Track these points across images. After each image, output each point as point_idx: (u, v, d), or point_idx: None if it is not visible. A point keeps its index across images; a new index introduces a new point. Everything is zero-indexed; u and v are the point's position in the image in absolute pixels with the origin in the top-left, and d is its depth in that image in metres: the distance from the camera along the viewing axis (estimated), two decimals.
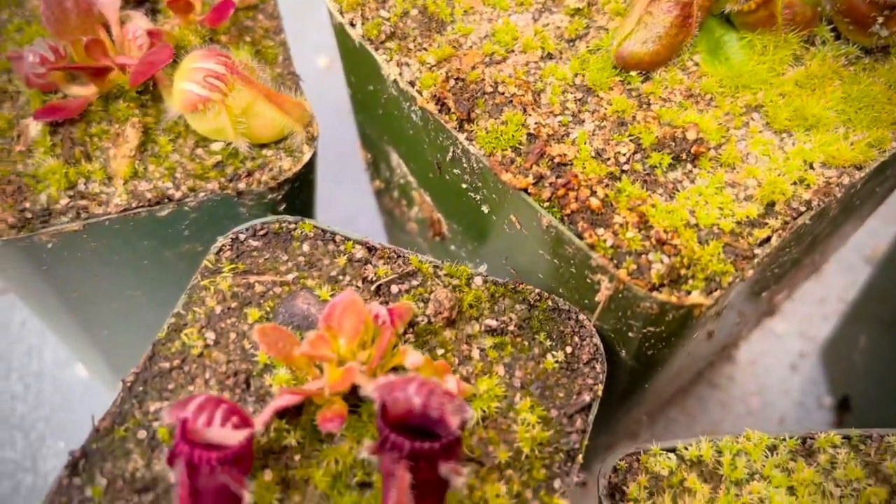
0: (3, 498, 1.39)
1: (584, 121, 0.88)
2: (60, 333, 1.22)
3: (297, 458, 0.77)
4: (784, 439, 0.87)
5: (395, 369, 0.79)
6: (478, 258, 1.04)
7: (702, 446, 0.87)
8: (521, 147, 0.86)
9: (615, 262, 0.80)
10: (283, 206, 0.99)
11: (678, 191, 0.84)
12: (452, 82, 0.90)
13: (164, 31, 1.01)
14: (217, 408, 0.68)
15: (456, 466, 0.67)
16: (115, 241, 0.96)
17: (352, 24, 0.96)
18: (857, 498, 0.83)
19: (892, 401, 1.33)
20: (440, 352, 0.85)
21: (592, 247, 0.80)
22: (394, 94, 0.95)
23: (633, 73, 0.92)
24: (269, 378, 0.81)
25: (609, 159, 0.85)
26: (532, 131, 0.87)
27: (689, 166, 0.86)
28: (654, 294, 0.78)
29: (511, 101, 0.89)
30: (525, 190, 0.84)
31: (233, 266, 0.89)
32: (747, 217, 0.82)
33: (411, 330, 0.86)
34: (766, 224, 0.82)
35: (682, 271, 0.78)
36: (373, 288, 0.89)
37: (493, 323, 0.86)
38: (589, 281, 0.83)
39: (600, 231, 0.81)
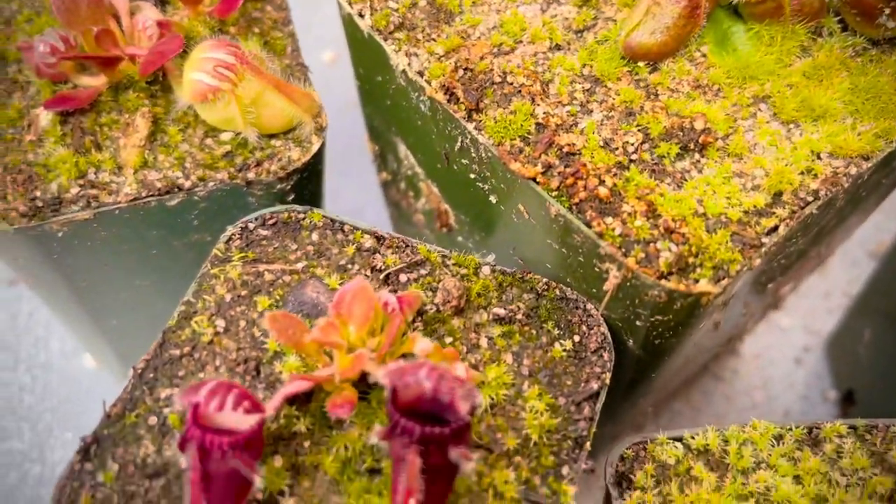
0: (11, 488, 1.39)
1: (592, 111, 0.89)
2: (69, 323, 1.23)
3: (306, 444, 0.78)
4: (790, 429, 0.88)
5: (404, 357, 0.80)
6: (485, 249, 1.05)
7: (708, 435, 0.87)
8: (530, 137, 0.87)
9: (623, 250, 0.80)
10: (291, 197, 1.00)
11: (686, 180, 0.84)
12: (461, 72, 0.91)
13: (173, 22, 1.01)
14: (229, 393, 0.69)
15: (466, 451, 0.68)
16: (124, 230, 0.97)
17: (360, 15, 0.97)
18: (862, 487, 0.84)
19: None
20: (448, 340, 0.85)
21: (601, 235, 0.81)
22: (402, 84, 0.96)
23: (640, 64, 0.92)
24: (280, 365, 0.82)
25: (617, 149, 0.86)
26: (541, 121, 0.87)
27: (696, 156, 0.86)
28: (663, 282, 0.78)
29: (520, 92, 0.89)
30: (534, 179, 0.84)
31: (242, 255, 0.89)
32: (755, 206, 0.83)
33: (420, 318, 0.87)
34: (774, 213, 0.82)
35: (691, 260, 0.79)
36: (381, 277, 0.89)
37: (502, 312, 0.87)
38: (597, 270, 0.84)
39: (609, 220, 0.81)
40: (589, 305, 0.87)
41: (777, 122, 0.89)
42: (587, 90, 0.90)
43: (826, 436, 0.88)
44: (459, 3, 0.97)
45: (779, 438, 0.87)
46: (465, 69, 0.91)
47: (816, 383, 1.57)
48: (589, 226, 0.81)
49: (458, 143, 0.92)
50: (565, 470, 0.78)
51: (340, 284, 0.87)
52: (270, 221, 0.93)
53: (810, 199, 0.84)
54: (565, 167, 0.84)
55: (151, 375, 0.81)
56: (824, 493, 0.83)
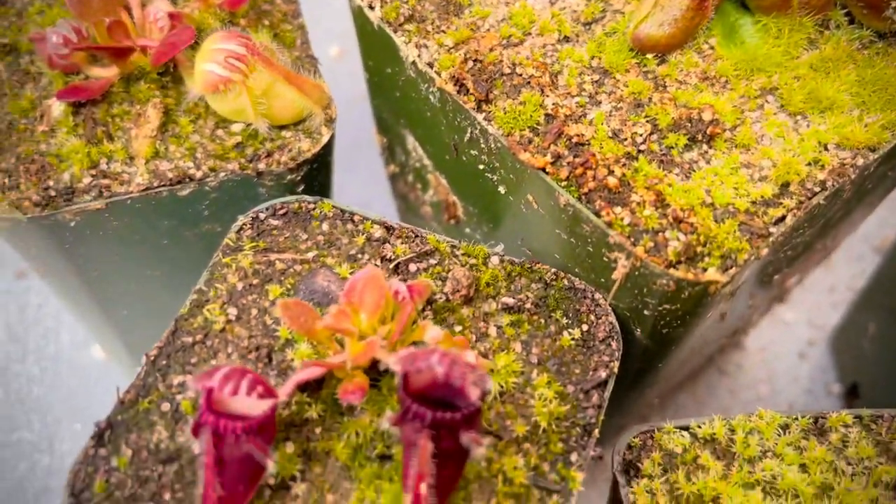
0: (21, 479, 1.40)
1: (600, 102, 0.90)
2: (79, 313, 1.24)
3: (318, 430, 0.79)
4: (796, 418, 0.88)
5: (414, 344, 0.81)
6: (493, 240, 1.05)
7: (715, 425, 0.88)
8: (539, 127, 0.87)
9: (632, 239, 0.81)
10: (301, 188, 1.01)
11: (694, 171, 0.85)
12: (471, 64, 0.91)
13: (184, 14, 1.02)
14: (242, 378, 0.70)
15: (476, 436, 0.68)
16: (136, 220, 0.97)
17: (371, 7, 0.97)
18: (868, 476, 0.84)
19: None
20: (458, 329, 0.86)
21: (610, 225, 0.82)
22: (412, 75, 0.97)
23: (649, 56, 0.93)
24: (291, 353, 0.83)
25: (626, 139, 0.87)
26: (550, 112, 0.88)
27: (704, 147, 0.87)
28: (671, 271, 0.79)
29: (529, 83, 0.90)
30: (543, 169, 0.85)
31: (254, 244, 0.90)
32: (762, 197, 0.83)
33: (429, 307, 0.87)
34: (781, 203, 0.83)
35: (699, 249, 0.79)
36: (391, 266, 0.90)
37: (510, 301, 0.88)
38: (605, 259, 0.85)
39: (618, 209, 0.82)
40: (597, 295, 0.88)
41: (784, 113, 0.90)
42: (596, 81, 0.91)
43: (832, 425, 0.88)
44: None
45: (785, 428, 0.88)
46: (475, 61, 0.92)
47: (821, 377, 1.58)
48: (598, 215, 0.82)
49: (468, 135, 0.93)
50: (574, 457, 0.79)
51: (351, 274, 0.88)
52: (281, 211, 0.94)
53: (817, 189, 0.84)
54: (574, 157, 0.85)
55: (164, 362, 0.82)
56: (830, 481, 0.84)
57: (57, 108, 0.98)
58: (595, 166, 0.84)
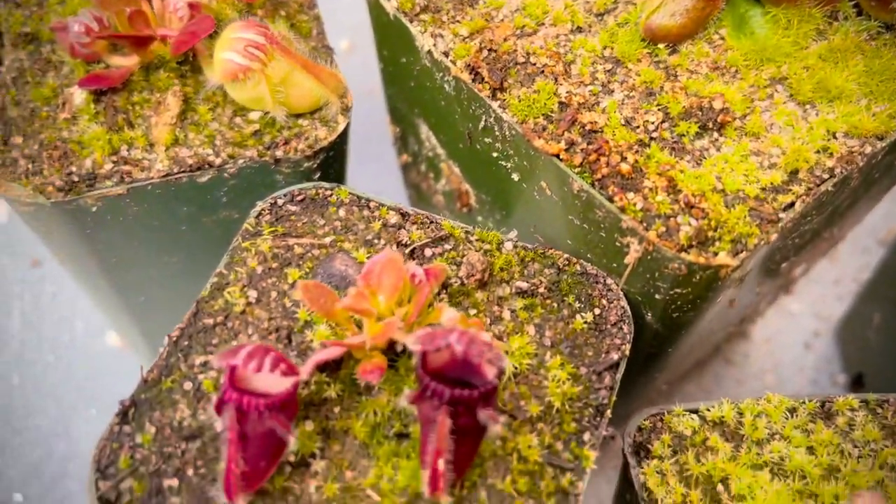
0: (37, 464, 1.43)
1: (613, 91, 0.91)
2: (97, 300, 1.26)
3: (336, 409, 0.81)
4: (803, 402, 0.90)
5: (430, 326, 0.82)
6: (506, 228, 1.07)
7: (723, 408, 0.90)
8: (553, 115, 0.89)
9: (645, 224, 0.83)
10: (317, 175, 1.03)
11: (705, 158, 0.87)
12: (485, 53, 0.93)
13: (203, 4, 1.04)
14: (266, 356, 0.71)
15: (493, 413, 0.70)
16: (155, 206, 0.99)
17: None
18: (874, 458, 0.86)
19: None
20: (473, 312, 0.88)
21: (623, 210, 0.83)
22: (427, 65, 0.98)
23: (660, 46, 0.95)
24: (311, 334, 0.84)
25: (638, 127, 0.88)
26: (563, 100, 0.90)
27: (715, 135, 0.89)
28: (683, 255, 0.81)
29: (542, 72, 0.92)
30: (557, 156, 0.87)
31: (272, 229, 0.92)
32: (772, 183, 0.85)
33: (445, 291, 0.89)
34: (790, 190, 0.85)
35: (710, 233, 0.81)
36: (407, 251, 0.92)
37: (524, 285, 0.89)
38: (618, 245, 0.86)
39: (630, 195, 0.84)
40: (609, 280, 0.90)
41: (793, 102, 0.92)
42: (608, 71, 0.93)
43: (838, 409, 0.90)
44: None
45: (792, 411, 0.89)
46: (489, 50, 0.94)
47: (826, 367, 1.59)
48: (611, 201, 0.84)
49: (482, 123, 0.94)
50: (587, 436, 0.81)
51: (368, 258, 0.90)
52: (299, 198, 0.95)
53: (826, 176, 0.86)
54: (588, 144, 0.86)
55: (186, 343, 0.84)
56: (837, 463, 0.85)
57: (78, 95, 1.00)
58: (608, 153, 0.85)
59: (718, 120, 0.89)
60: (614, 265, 0.90)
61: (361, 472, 0.78)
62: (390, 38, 1.05)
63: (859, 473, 0.84)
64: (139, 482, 0.77)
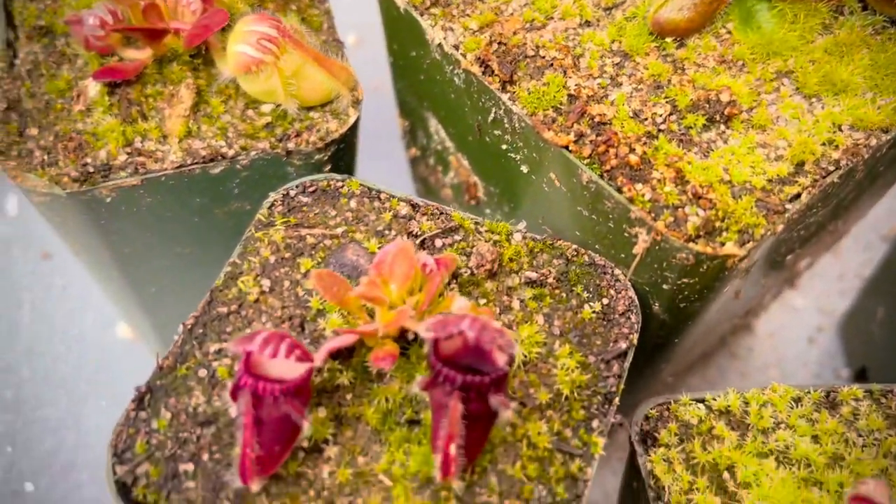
0: (48, 454, 1.44)
1: (621, 83, 0.93)
2: (109, 291, 1.27)
3: (348, 396, 0.82)
4: (808, 392, 0.91)
5: (441, 315, 0.84)
6: (514, 220, 1.08)
7: (729, 397, 0.91)
8: (562, 107, 0.91)
9: (653, 215, 0.84)
10: (328, 167, 1.04)
11: (712, 150, 0.88)
12: (495, 46, 0.94)
13: None
14: (281, 342, 0.73)
15: (504, 399, 0.72)
16: (169, 197, 1.01)
17: None
18: (878, 447, 0.87)
19: None
20: (482, 301, 0.89)
21: (631, 200, 0.85)
22: (437, 58, 1.00)
23: (668, 40, 0.96)
24: (323, 322, 0.86)
25: (646, 119, 0.90)
26: (572, 92, 0.91)
27: (722, 127, 0.90)
28: (691, 245, 0.82)
29: (552, 65, 0.93)
30: (566, 147, 0.88)
31: (285, 219, 0.93)
32: (778, 175, 0.86)
33: (455, 281, 0.90)
34: (797, 181, 0.86)
35: (717, 224, 0.82)
36: (417, 242, 0.93)
37: (533, 275, 0.90)
38: (626, 235, 0.88)
39: (639, 186, 0.85)
40: (617, 271, 0.91)
41: (799, 95, 0.93)
42: (616, 64, 0.94)
43: (843, 399, 0.91)
44: None
45: (797, 401, 0.91)
46: (499, 43, 0.95)
47: (829, 362, 1.60)
48: (620, 191, 0.85)
49: (492, 115, 0.96)
50: (595, 423, 0.82)
51: (379, 248, 0.91)
52: (310, 189, 0.97)
53: (832, 168, 0.87)
54: (597, 136, 0.88)
55: (201, 331, 0.85)
56: (841, 451, 0.86)
57: (93, 88, 1.01)
58: (617, 144, 0.87)
59: (725, 112, 0.90)
60: (622, 256, 0.91)
61: (373, 457, 0.79)
62: (400, 32, 1.06)
63: (863, 462, 0.85)
64: (155, 466, 0.78)
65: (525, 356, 0.85)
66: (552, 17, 0.98)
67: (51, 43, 1.06)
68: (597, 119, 0.89)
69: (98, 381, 1.51)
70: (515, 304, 0.89)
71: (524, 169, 0.98)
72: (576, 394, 0.83)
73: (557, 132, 0.88)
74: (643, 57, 0.95)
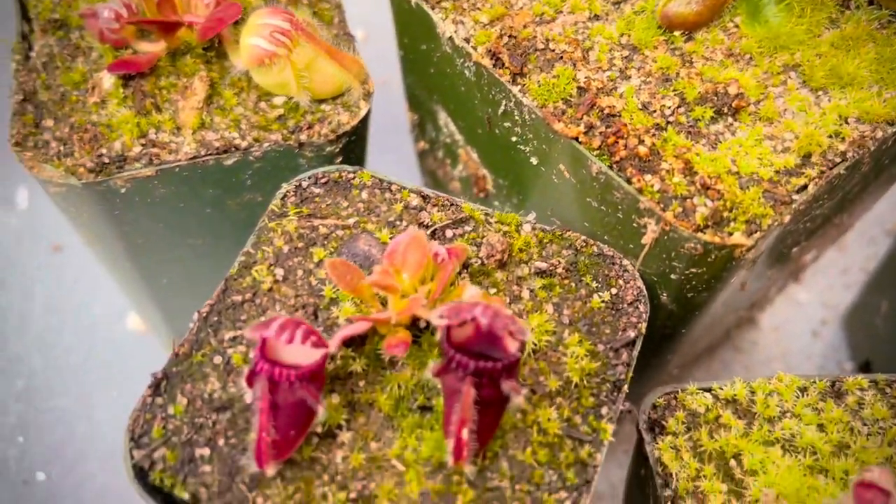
0: (59, 443, 1.45)
1: (630, 76, 0.94)
2: (121, 281, 1.28)
3: (361, 383, 0.83)
4: (814, 381, 0.92)
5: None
6: (523, 211, 1.10)
7: (736, 386, 0.92)
8: (572, 99, 0.92)
9: (662, 205, 0.85)
10: (339, 159, 1.05)
11: (720, 142, 0.89)
12: (506, 39, 0.96)
13: None
14: (297, 328, 0.74)
15: (515, 384, 0.73)
16: (182, 188, 1.02)
17: None
18: (883, 435, 0.88)
19: None
20: (492, 291, 0.90)
21: (641, 191, 0.86)
22: (447, 51, 1.01)
23: (676, 34, 0.97)
24: (336, 310, 0.87)
25: (655, 112, 0.91)
26: (582, 85, 0.92)
27: (730, 119, 0.91)
28: (699, 235, 0.83)
29: (561, 58, 0.94)
30: (576, 139, 0.89)
31: (298, 210, 0.94)
32: (785, 167, 0.88)
33: (465, 271, 0.92)
34: (803, 173, 0.87)
35: (725, 214, 0.84)
36: (428, 233, 0.94)
37: (543, 266, 0.92)
38: (635, 225, 0.89)
39: (648, 177, 0.86)
40: (625, 261, 0.92)
41: (806, 88, 0.94)
42: (625, 57, 0.95)
43: (848, 388, 0.92)
44: None
45: (803, 390, 0.92)
46: (510, 36, 0.96)
47: (833, 355, 1.62)
48: (629, 182, 0.86)
49: (502, 107, 0.97)
50: (604, 410, 0.83)
51: (391, 239, 0.92)
52: (322, 180, 0.98)
53: (838, 160, 0.88)
54: (606, 127, 0.89)
55: (216, 319, 0.87)
56: (847, 440, 0.88)
57: (107, 80, 1.02)
58: (626, 136, 0.88)
59: (733, 105, 0.91)
60: (630, 246, 0.92)
61: (386, 443, 0.80)
62: (411, 26, 1.07)
63: (868, 450, 0.87)
64: (172, 451, 0.79)
65: (535, 344, 0.86)
66: (562, 11, 0.99)
67: (65, 36, 1.07)
68: (606, 111, 0.90)
69: (108, 372, 1.53)
70: (525, 294, 0.90)
71: (533, 161, 0.99)
72: (585, 381, 0.84)
73: (567, 124, 0.89)
74: (652, 50, 0.96)
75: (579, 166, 0.91)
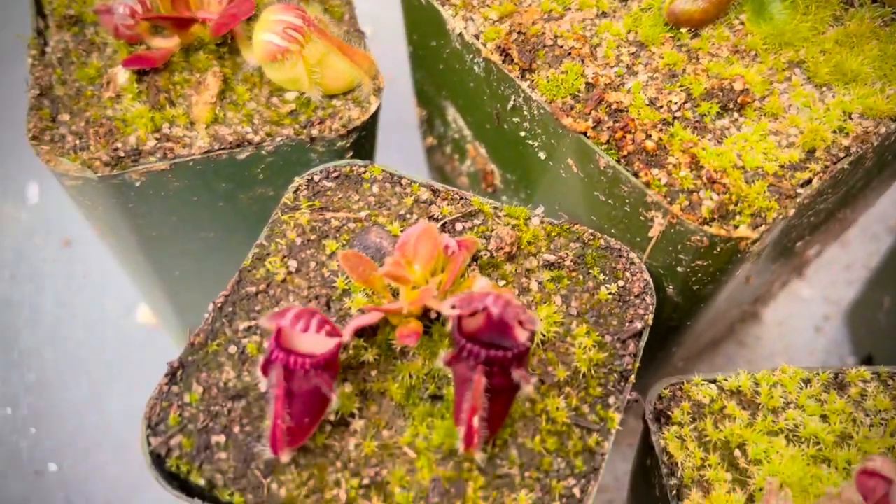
0: (70, 435, 1.47)
1: (637, 72, 0.95)
2: (133, 274, 1.30)
3: (373, 373, 0.85)
4: (817, 373, 0.94)
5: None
6: (530, 206, 1.11)
7: (740, 378, 0.93)
8: (580, 94, 0.93)
9: (669, 198, 0.87)
10: (350, 154, 1.07)
11: (726, 137, 0.91)
12: (515, 35, 0.97)
13: None
14: (312, 317, 0.75)
15: (525, 373, 0.74)
16: (196, 181, 1.03)
17: None
18: (885, 426, 0.90)
19: None
20: (501, 283, 0.92)
21: (648, 185, 0.87)
22: (457, 47, 1.02)
23: (682, 30, 0.99)
24: (349, 301, 0.89)
25: (662, 107, 0.92)
26: (590, 81, 0.94)
27: (735, 115, 0.93)
28: (705, 227, 0.85)
29: (570, 54, 0.96)
30: (585, 133, 0.91)
31: (310, 203, 0.96)
32: (790, 161, 0.89)
33: (475, 264, 0.93)
34: (808, 167, 0.89)
35: (731, 207, 0.85)
36: (438, 226, 0.96)
37: (551, 258, 0.93)
38: (642, 219, 0.90)
39: (655, 171, 0.88)
40: (632, 254, 0.94)
41: (811, 85, 0.95)
42: (633, 53, 0.97)
43: (851, 380, 0.94)
44: None
45: (807, 382, 0.93)
46: (519, 33, 0.98)
47: (836, 350, 1.63)
48: (637, 176, 0.88)
49: (511, 103, 0.98)
50: (612, 399, 0.85)
51: (401, 231, 0.94)
52: (334, 174, 1.00)
53: (842, 154, 0.90)
54: (614, 122, 0.90)
55: (230, 309, 0.88)
56: (849, 430, 0.89)
57: (122, 75, 1.04)
58: (634, 131, 0.89)
59: (739, 101, 0.92)
60: (637, 239, 0.94)
61: (398, 430, 0.82)
62: (421, 23, 1.08)
63: (871, 440, 0.88)
64: (188, 438, 0.81)
65: (543, 335, 0.88)
66: (570, 8, 1.01)
67: (80, 32, 1.09)
68: (614, 106, 0.91)
69: (118, 365, 1.55)
70: (534, 286, 0.92)
71: (542, 155, 1.01)
72: (593, 371, 0.86)
73: (576, 119, 0.91)
74: (658, 47, 0.97)
75: (587, 161, 0.93)
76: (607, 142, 0.90)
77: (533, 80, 0.95)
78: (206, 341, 0.86)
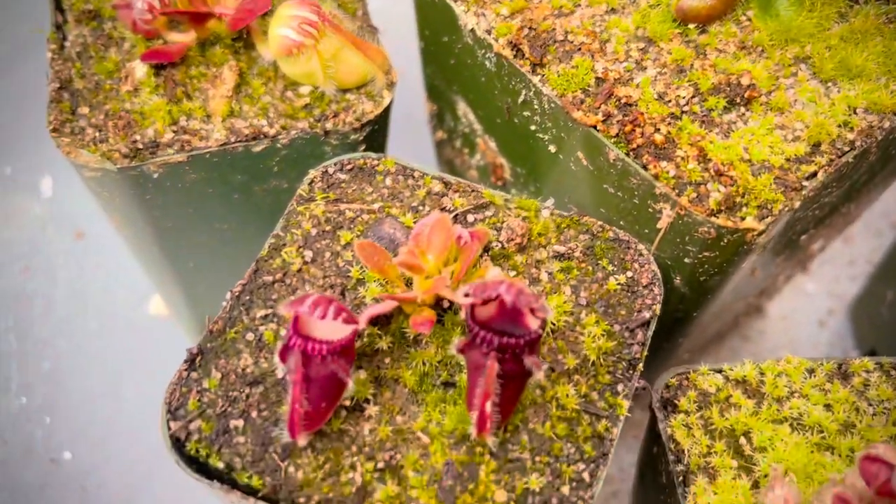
0: (85, 424, 1.50)
1: (646, 68, 0.97)
2: (147, 265, 1.32)
3: (387, 360, 0.87)
4: (821, 363, 0.95)
5: None
6: (540, 199, 1.13)
7: (746, 368, 0.95)
8: (590, 89, 0.95)
9: (677, 191, 0.89)
10: (363, 147, 1.09)
11: (733, 131, 0.93)
12: (526, 31, 0.99)
13: None
14: (329, 305, 0.77)
15: (537, 360, 0.76)
16: (212, 174, 1.06)
17: None
18: (888, 415, 0.92)
19: None
20: (512, 273, 0.94)
21: (656, 177, 0.89)
22: (469, 43, 1.04)
23: (690, 27, 1.00)
24: (363, 290, 0.91)
25: (670, 101, 0.94)
26: (600, 75, 0.96)
27: (742, 109, 0.95)
28: (713, 219, 0.87)
29: (580, 49, 0.98)
30: (594, 127, 0.93)
31: (325, 195, 0.98)
32: (796, 155, 0.91)
33: (486, 254, 0.95)
34: (813, 161, 0.91)
35: (738, 199, 0.87)
36: (451, 217, 0.97)
37: (561, 249, 0.95)
38: (650, 211, 0.92)
39: (663, 163, 0.90)
40: (640, 246, 0.96)
41: (816, 80, 0.97)
42: (641, 49, 0.99)
43: (854, 370, 0.95)
44: None
45: (811, 372, 0.95)
46: (530, 28, 0.99)
47: (839, 344, 1.65)
48: (645, 169, 0.90)
49: (522, 97, 1.00)
50: (620, 387, 0.87)
51: (414, 223, 0.96)
52: (348, 167, 1.02)
53: (847, 148, 0.92)
54: (624, 116, 0.92)
55: (248, 298, 0.90)
56: (853, 419, 0.91)
57: (140, 69, 1.06)
58: (643, 124, 0.91)
59: (745, 95, 0.94)
60: (646, 231, 0.96)
61: (411, 416, 0.84)
62: (433, 18, 1.10)
63: (874, 429, 0.90)
64: (207, 423, 0.83)
65: (553, 324, 0.90)
66: (580, 4, 1.03)
67: (99, 26, 1.11)
68: (623, 100, 0.93)
69: (131, 355, 1.57)
70: (544, 276, 0.94)
71: (552, 149, 1.03)
72: (602, 360, 0.88)
73: (586, 112, 0.93)
74: (667, 42, 0.99)
75: (597, 154, 0.95)
76: (617, 135, 0.92)
77: (544, 75, 0.97)
78: (225, 329, 0.88)
